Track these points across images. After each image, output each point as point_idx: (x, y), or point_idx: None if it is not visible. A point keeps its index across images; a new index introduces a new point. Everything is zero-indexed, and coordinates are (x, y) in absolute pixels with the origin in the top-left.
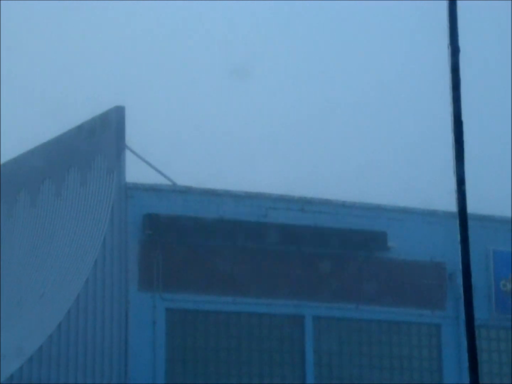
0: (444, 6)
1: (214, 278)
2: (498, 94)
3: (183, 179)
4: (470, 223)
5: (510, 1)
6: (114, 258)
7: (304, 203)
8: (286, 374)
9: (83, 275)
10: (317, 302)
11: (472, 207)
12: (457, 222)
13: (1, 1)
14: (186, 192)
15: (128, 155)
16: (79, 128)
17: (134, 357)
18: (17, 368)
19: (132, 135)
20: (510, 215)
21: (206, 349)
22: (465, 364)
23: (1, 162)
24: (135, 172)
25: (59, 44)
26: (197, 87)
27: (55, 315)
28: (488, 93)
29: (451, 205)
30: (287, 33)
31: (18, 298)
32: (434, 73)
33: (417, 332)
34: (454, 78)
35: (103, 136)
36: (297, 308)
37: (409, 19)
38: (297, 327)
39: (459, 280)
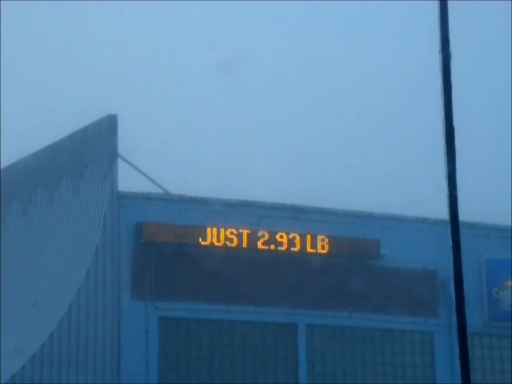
0: (436, 8)
1: (207, 287)
2: (491, 102)
3: (176, 188)
4: (463, 230)
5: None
6: (107, 267)
7: (297, 211)
8: (280, 382)
9: (75, 283)
10: (310, 310)
11: (465, 215)
12: (449, 229)
13: None
14: (178, 200)
15: (121, 164)
16: (72, 137)
17: (127, 366)
18: (10, 375)
19: (125, 144)
20: (502, 223)
21: (199, 357)
22: (458, 371)
23: None
24: (128, 180)
25: (50, 52)
26: (189, 97)
27: (47, 323)
28: (481, 101)
29: (444, 213)
30: (276, 30)
31: (12, 306)
32: (426, 78)
33: (410, 340)
34: (445, 84)
35: (95, 144)
36: (290, 316)
37: (402, 21)
38: (290, 335)
39: (452, 287)
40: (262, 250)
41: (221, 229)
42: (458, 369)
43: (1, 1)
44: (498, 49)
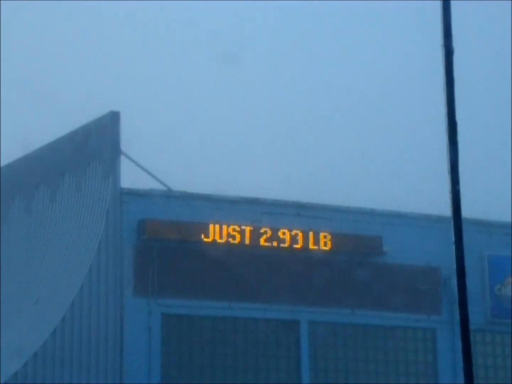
0: (439, 6)
1: (210, 283)
2: (495, 97)
3: (178, 184)
4: (465, 227)
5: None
6: (109, 264)
7: (299, 208)
8: (282, 379)
9: (78, 280)
10: (312, 307)
11: (467, 212)
12: (452, 225)
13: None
14: (181, 197)
15: (123, 161)
16: (74, 134)
17: (129, 363)
18: (12, 373)
19: (127, 141)
20: (505, 219)
21: (202, 354)
22: (460, 368)
23: None
24: (130, 177)
25: (53, 49)
26: (191, 94)
27: (50, 321)
28: (485, 96)
29: (446, 210)
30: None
31: (14, 303)
32: (428, 72)
33: (413, 337)
34: (448, 78)
35: (98, 141)
36: (292, 313)
37: (405, 18)
38: (293, 332)
39: (454, 284)
40: (265, 247)
41: (223, 225)
42: (460, 365)
43: (2, 0)
44: (500, 42)
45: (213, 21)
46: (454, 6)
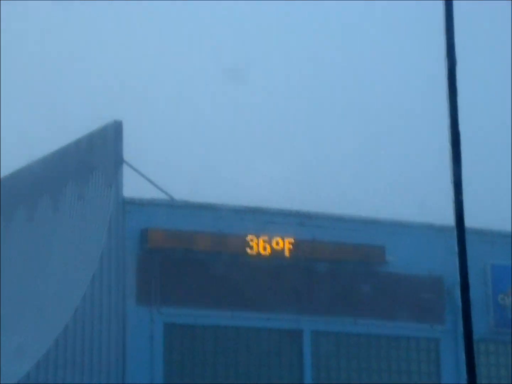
0: (441, 14)
1: (212, 293)
2: (497, 108)
3: (181, 194)
4: (468, 237)
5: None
6: (112, 273)
7: (303, 217)
8: None
9: (80, 289)
10: (315, 316)
11: (470, 221)
12: (455, 235)
13: None
14: (183, 206)
15: (126, 170)
16: (77, 143)
17: (132, 372)
18: (14, 382)
19: (130, 150)
20: (508, 229)
21: (204, 363)
22: (464, 378)
23: None
24: (133, 186)
25: (56, 59)
26: (194, 103)
27: (52, 329)
28: (488, 106)
29: (450, 219)
30: (282, 36)
31: (17, 312)
32: (432, 84)
33: (416, 347)
34: (451, 89)
35: (100, 150)
36: (295, 322)
37: (409, 28)
38: (296, 342)
39: (458, 294)
40: (267, 256)
41: (226, 235)
42: (463, 376)
43: (2, 1)
44: (504, 54)
45: (219, 36)
46: (457, 16)
